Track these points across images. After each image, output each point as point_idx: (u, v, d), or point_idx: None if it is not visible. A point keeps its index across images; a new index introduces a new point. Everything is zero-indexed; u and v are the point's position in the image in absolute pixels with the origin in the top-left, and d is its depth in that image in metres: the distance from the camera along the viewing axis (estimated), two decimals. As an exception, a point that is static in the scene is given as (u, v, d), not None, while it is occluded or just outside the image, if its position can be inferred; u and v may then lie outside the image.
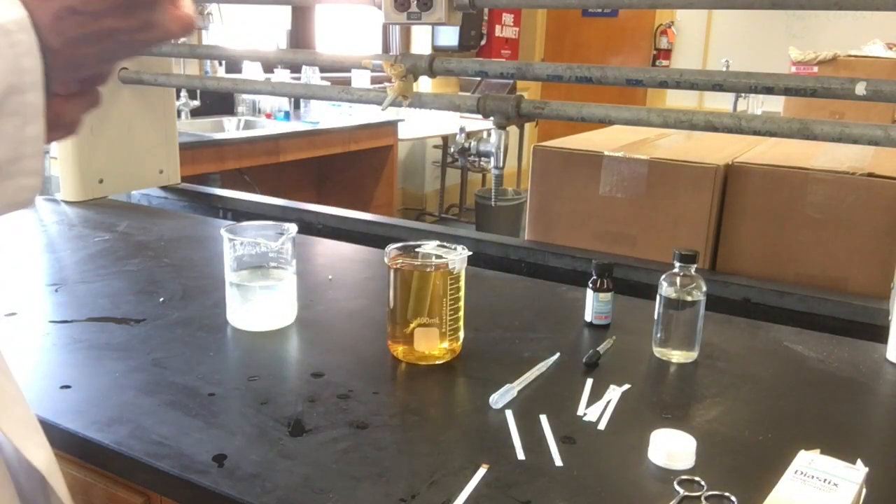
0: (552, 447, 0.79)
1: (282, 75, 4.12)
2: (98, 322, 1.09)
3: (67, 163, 1.76)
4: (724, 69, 1.47)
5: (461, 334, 1.01)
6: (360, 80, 4.15)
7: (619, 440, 0.82)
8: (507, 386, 0.90)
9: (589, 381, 0.95)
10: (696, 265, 1.00)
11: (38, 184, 0.45)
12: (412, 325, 0.97)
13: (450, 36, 5.26)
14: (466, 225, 5.05)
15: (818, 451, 0.74)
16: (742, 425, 0.86)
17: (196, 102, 3.66)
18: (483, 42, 5.73)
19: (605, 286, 1.11)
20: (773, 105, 3.03)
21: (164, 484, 0.76)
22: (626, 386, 0.94)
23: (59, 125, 0.48)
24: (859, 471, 0.68)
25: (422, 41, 5.47)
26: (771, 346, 1.09)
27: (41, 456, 0.60)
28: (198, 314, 1.14)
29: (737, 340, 1.11)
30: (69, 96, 0.48)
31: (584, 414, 0.87)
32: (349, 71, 4.10)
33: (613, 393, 0.92)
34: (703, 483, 0.73)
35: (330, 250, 1.54)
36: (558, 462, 0.77)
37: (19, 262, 1.38)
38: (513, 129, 1.40)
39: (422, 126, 4.66)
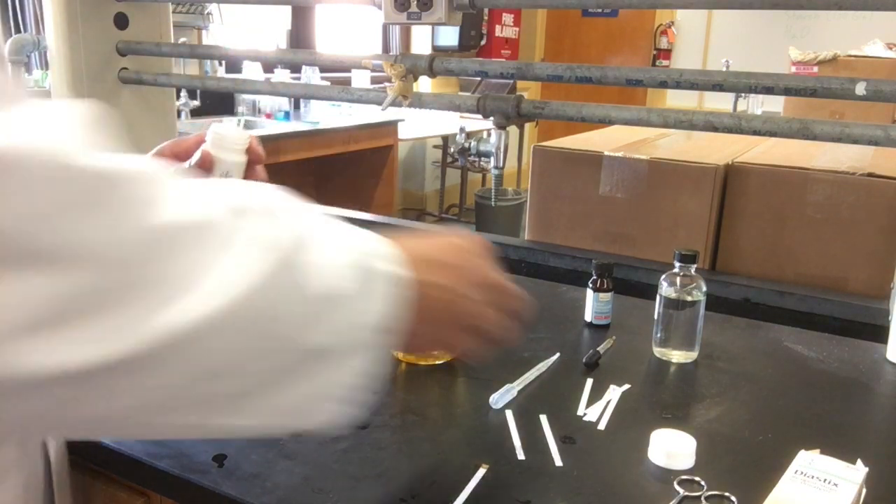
0: (552, 447, 0.79)
1: (282, 75, 4.12)
2: (98, 322, 1.09)
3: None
4: (724, 69, 1.47)
5: (461, 334, 1.01)
6: (360, 80, 4.15)
7: (619, 440, 0.82)
8: (507, 386, 0.90)
9: (589, 381, 0.94)
10: (696, 265, 1.00)
11: (345, 417, 0.47)
12: (412, 325, 0.97)
13: (450, 36, 5.26)
14: (466, 225, 5.05)
15: (818, 451, 0.74)
16: (742, 425, 0.86)
17: (196, 102, 3.66)
18: (483, 42, 5.73)
19: (605, 286, 1.11)
20: (773, 105, 3.02)
21: (164, 484, 0.76)
22: (627, 386, 0.94)
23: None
24: (859, 471, 0.68)
25: (422, 41, 5.47)
26: (771, 346, 1.09)
27: None
28: (198, 314, 1.13)
29: (737, 340, 1.11)
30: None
31: (584, 414, 0.87)
32: (349, 71, 4.10)
33: (613, 393, 0.92)
34: (703, 483, 0.73)
35: (330, 250, 1.54)
36: (558, 462, 0.77)
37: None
38: (513, 129, 1.40)
39: (422, 126, 4.65)
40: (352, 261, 0.46)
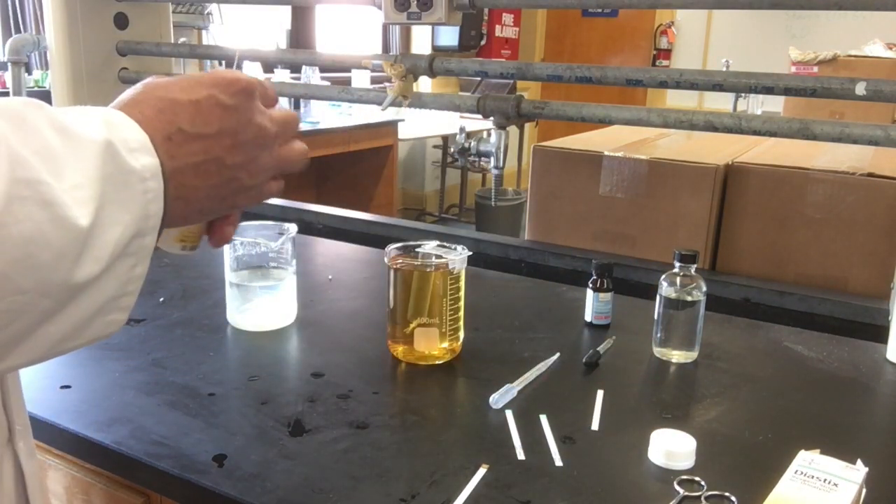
0: (552, 447, 0.79)
1: (282, 75, 4.12)
2: (98, 322, 1.09)
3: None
4: (724, 69, 1.47)
5: (461, 334, 1.01)
6: (360, 80, 4.15)
7: (619, 440, 0.82)
8: (507, 386, 0.90)
9: (600, 393, 0.94)
10: (696, 265, 1.00)
11: (125, 319, 0.47)
12: (412, 325, 0.97)
13: (450, 36, 5.26)
14: (466, 225, 5.05)
15: (818, 451, 0.74)
16: (742, 425, 0.86)
17: (196, 102, 3.65)
18: (483, 42, 5.73)
19: (605, 286, 1.11)
20: (773, 105, 3.02)
21: (164, 484, 0.76)
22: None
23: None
24: (859, 471, 0.68)
25: (422, 41, 5.47)
26: (771, 346, 1.09)
27: None
28: (198, 314, 1.13)
29: (737, 340, 1.11)
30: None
31: (595, 426, 0.86)
32: (349, 71, 4.10)
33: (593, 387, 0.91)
34: (703, 483, 0.73)
35: (330, 250, 1.54)
36: (558, 462, 0.77)
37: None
38: (513, 129, 1.40)
39: (422, 126, 4.65)
40: (101, 172, 0.43)
